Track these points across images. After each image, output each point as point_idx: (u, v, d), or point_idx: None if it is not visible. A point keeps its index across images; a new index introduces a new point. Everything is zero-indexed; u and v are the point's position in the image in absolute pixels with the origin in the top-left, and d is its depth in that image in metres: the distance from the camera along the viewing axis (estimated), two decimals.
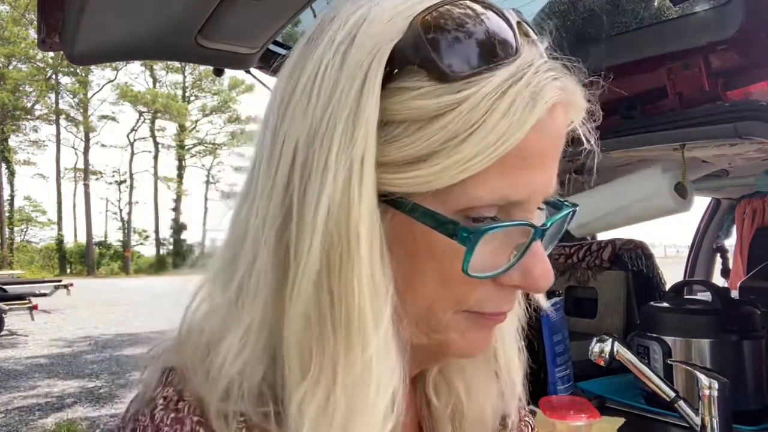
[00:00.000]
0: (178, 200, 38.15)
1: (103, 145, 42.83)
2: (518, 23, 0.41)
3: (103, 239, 37.43)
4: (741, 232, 2.47)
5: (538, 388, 1.32)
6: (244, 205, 0.43)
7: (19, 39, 29.20)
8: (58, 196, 34.98)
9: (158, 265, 34.53)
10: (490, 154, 0.37)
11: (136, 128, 37.51)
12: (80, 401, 5.75)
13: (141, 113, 36.78)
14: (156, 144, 37.84)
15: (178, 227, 37.23)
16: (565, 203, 0.45)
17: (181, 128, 37.91)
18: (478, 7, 0.40)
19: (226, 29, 1.37)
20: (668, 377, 1.18)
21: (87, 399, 5.83)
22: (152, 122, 37.44)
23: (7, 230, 30.72)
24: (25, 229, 34.58)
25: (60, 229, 34.66)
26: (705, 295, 1.39)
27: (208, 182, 39.58)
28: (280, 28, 1.40)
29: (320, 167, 0.38)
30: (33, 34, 27.10)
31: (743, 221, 2.46)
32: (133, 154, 37.82)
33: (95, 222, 35.83)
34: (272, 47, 1.53)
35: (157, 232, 38.51)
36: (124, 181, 37.98)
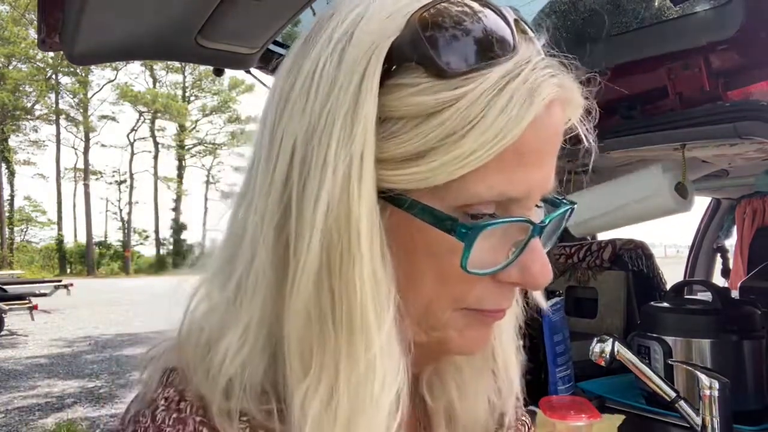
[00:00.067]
0: (178, 200, 38.20)
1: (103, 145, 42.99)
2: (515, 20, 0.41)
3: (103, 239, 37.49)
4: (741, 232, 2.47)
5: (538, 388, 1.32)
6: (242, 204, 0.43)
7: (19, 39, 29.19)
8: (58, 196, 35.03)
9: (158, 265, 34.53)
10: (488, 150, 0.37)
11: (136, 128, 37.57)
12: (80, 401, 5.75)
13: (141, 113, 36.81)
14: (156, 144, 37.88)
15: (178, 227, 37.25)
16: (563, 201, 0.45)
17: (181, 128, 37.91)
18: (475, 5, 0.40)
19: (226, 29, 1.37)
20: (669, 377, 1.18)
21: (87, 399, 5.83)
22: (152, 122, 37.45)
23: (7, 230, 30.73)
24: (25, 229, 34.61)
25: (60, 229, 34.69)
26: (705, 295, 1.39)
27: (208, 182, 39.63)
28: (280, 28, 1.40)
29: (319, 163, 0.38)
30: (33, 34, 27.10)
31: (743, 221, 2.46)
32: (133, 154, 37.88)
33: (95, 222, 35.92)
34: (272, 47, 1.53)
35: (157, 232, 38.57)
36: (124, 181, 38.05)
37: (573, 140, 0.45)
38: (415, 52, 0.38)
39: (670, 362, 1.20)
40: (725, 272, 2.71)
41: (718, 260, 2.76)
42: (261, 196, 0.41)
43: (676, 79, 1.33)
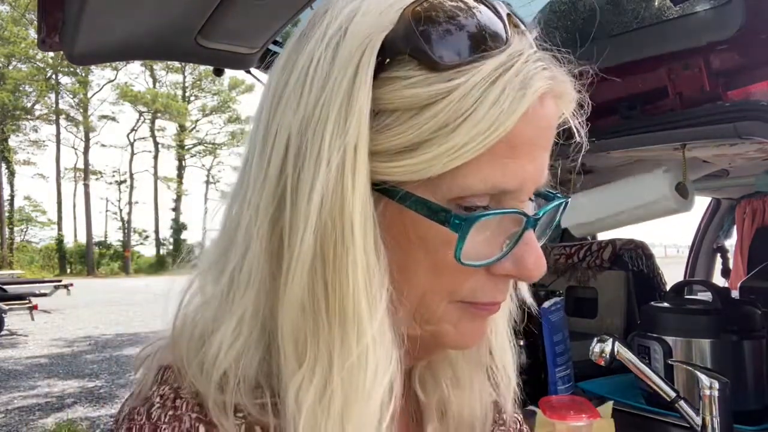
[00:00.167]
0: (178, 200, 38.20)
1: (103, 145, 43.11)
2: (508, 15, 0.41)
3: (103, 239, 37.50)
4: (741, 232, 2.48)
5: (538, 388, 1.32)
6: (236, 199, 0.44)
7: (19, 39, 29.19)
8: (58, 196, 35.02)
9: (158, 265, 34.53)
10: (481, 142, 0.37)
11: (136, 128, 37.58)
12: (80, 401, 5.75)
13: (141, 113, 36.82)
14: (156, 144, 37.88)
15: (178, 227, 37.24)
16: (557, 194, 0.45)
17: (181, 128, 37.92)
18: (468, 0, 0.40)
19: (226, 29, 1.37)
20: (669, 377, 1.18)
21: (87, 399, 5.83)
22: (152, 122, 37.46)
23: (7, 230, 30.72)
24: (25, 229, 34.62)
25: (60, 229, 34.69)
26: (705, 295, 1.39)
27: (208, 182, 39.63)
28: (280, 28, 1.40)
29: (313, 156, 0.38)
30: (33, 34, 27.09)
31: (743, 221, 2.46)
32: (133, 154, 37.89)
33: (95, 222, 35.93)
34: (272, 47, 1.53)
35: (157, 232, 38.57)
36: (124, 181, 38.05)
37: (566, 135, 0.46)
38: (409, 46, 0.38)
39: (670, 362, 1.20)
40: (725, 272, 2.71)
41: (718, 260, 2.76)
42: (255, 190, 0.41)
43: (676, 79, 1.33)
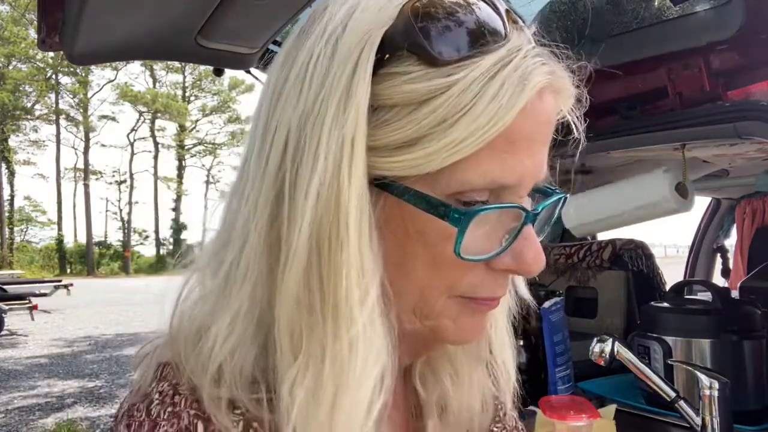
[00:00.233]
0: (178, 200, 38.20)
1: (103, 145, 43.14)
2: (506, 11, 0.41)
3: (103, 239, 37.48)
4: (741, 232, 2.48)
5: (538, 388, 1.32)
6: (235, 195, 0.44)
7: (19, 39, 29.19)
8: (58, 196, 35.02)
9: (158, 265, 34.53)
10: (480, 136, 0.37)
11: (136, 128, 37.57)
12: (80, 401, 5.75)
13: (141, 113, 36.81)
14: (156, 144, 37.88)
15: (178, 227, 37.24)
16: (556, 190, 0.46)
17: (181, 128, 37.92)
18: None
19: (226, 29, 1.37)
20: (669, 377, 1.18)
21: (87, 399, 5.83)
22: (152, 122, 37.46)
23: (7, 230, 30.72)
24: (25, 229, 34.61)
25: (60, 229, 34.68)
26: (705, 295, 1.39)
27: (208, 182, 39.62)
28: (280, 28, 1.40)
29: (312, 150, 0.38)
30: (33, 34, 27.09)
31: (743, 221, 2.46)
32: (133, 154, 37.88)
33: (95, 222, 35.92)
34: (272, 47, 1.53)
35: (157, 232, 38.57)
36: (124, 181, 38.05)
37: (565, 130, 0.46)
38: (408, 41, 0.38)
39: (670, 362, 1.20)
40: (725, 272, 2.71)
41: (718, 260, 2.76)
42: (254, 185, 0.41)
43: (676, 79, 1.34)
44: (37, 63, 31.14)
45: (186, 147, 38.50)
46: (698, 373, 0.98)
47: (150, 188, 38.57)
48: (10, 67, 30.67)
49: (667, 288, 1.61)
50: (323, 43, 0.40)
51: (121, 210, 37.90)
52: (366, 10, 0.40)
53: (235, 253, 0.42)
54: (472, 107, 0.37)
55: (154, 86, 37.19)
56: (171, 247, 37.41)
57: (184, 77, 37.59)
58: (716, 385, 0.96)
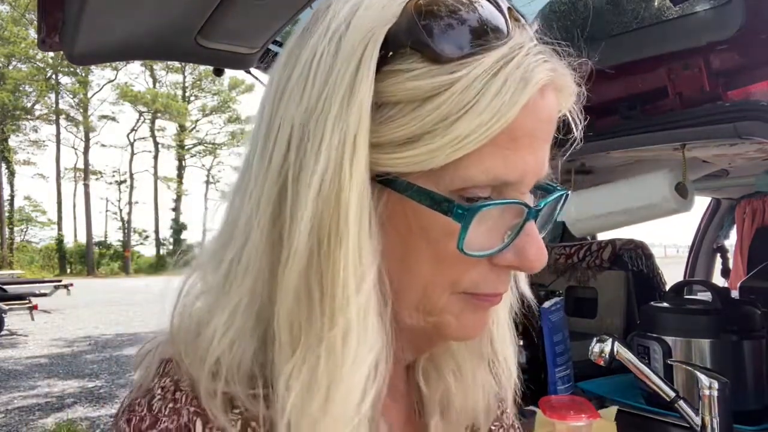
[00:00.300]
0: (178, 200, 38.21)
1: (103, 145, 43.14)
2: (509, 9, 0.42)
3: (103, 239, 37.47)
4: (741, 232, 2.48)
5: (538, 388, 1.32)
6: (237, 193, 0.44)
7: (19, 39, 29.20)
8: (58, 196, 35.02)
9: (158, 265, 34.52)
10: (483, 132, 0.38)
11: (136, 128, 37.57)
12: (80, 401, 5.75)
13: (141, 113, 36.81)
14: (156, 144, 37.88)
15: (178, 227, 37.24)
16: (557, 187, 0.46)
17: (181, 128, 37.92)
18: None
19: (226, 29, 1.37)
20: (668, 377, 1.18)
21: (87, 399, 5.83)
22: (152, 122, 37.46)
23: (7, 230, 30.72)
24: (25, 229, 34.61)
25: (60, 229, 34.68)
26: (705, 295, 1.39)
27: (208, 182, 39.63)
28: (280, 28, 1.40)
29: (315, 147, 0.39)
30: (33, 34, 27.09)
31: (743, 221, 2.46)
32: (133, 154, 37.88)
33: (95, 222, 35.92)
34: (272, 47, 1.53)
35: (157, 232, 38.56)
36: (124, 181, 38.05)
37: (566, 129, 0.46)
38: (411, 38, 0.39)
39: (669, 362, 1.20)
40: (725, 272, 2.71)
41: (718, 260, 2.76)
42: (257, 183, 0.42)
43: (676, 79, 1.34)
44: (37, 63, 31.14)
45: (186, 147, 38.51)
46: (698, 373, 0.98)
47: (150, 188, 38.64)
48: (10, 67, 30.68)
49: (667, 288, 1.61)
50: (326, 41, 0.40)
51: (121, 210, 37.96)
52: (369, 8, 0.40)
53: (237, 249, 0.42)
54: (475, 104, 0.38)
55: (154, 86, 37.21)
56: (171, 247, 37.39)
57: (184, 77, 37.61)
58: (716, 385, 0.96)
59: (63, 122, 35.01)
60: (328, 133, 0.38)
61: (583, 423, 0.83)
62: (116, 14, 1.27)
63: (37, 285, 11.54)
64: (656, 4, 1.52)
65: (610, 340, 1.04)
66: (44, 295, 10.79)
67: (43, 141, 35.10)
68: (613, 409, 1.02)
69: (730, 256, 2.70)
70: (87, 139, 35.90)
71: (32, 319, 10.61)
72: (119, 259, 36.22)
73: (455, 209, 0.39)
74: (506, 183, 0.41)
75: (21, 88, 31.49)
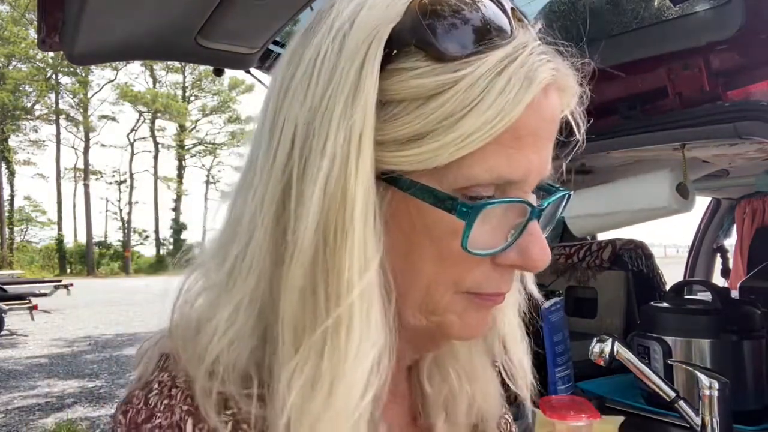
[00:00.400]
0: (178, 200, 38.20)
1: (103, 145, 43.16)
2: (512, 8, 0.42)
3: (103, 239, 37.46)
4: (741, 232, 2.48)
5: (538, 387, 1.32)
6: (240, 192, 0.44)
7: (19, 39, 29.19)
8: (58, 196, 35.01)
9: (158, 265, 34.52)
10: (487, 131, 0.38)
11: (136, 128, 37.56)
12: (80, 401, 5.75)
13: (141, 113, 36.81)
14: (156, 144, 37.87)
15: (178, 227, 37.24)
16: (559, 188, 0.46)
17: (181, 128, 37.92)
18: None
19: (226, 29, 1.37)
20: (668, 377, 1.18)
21: (87, 399, 5.83)
22: (152, 122, 37.45)
23: (7, 230, 30.72)
24: (25, 229, 34.60)
25: (60, 229, 34.67)
26: (705, 295, 1.39)
27: (208, 182, 39.64)
28: (280, 28, 1.40)
29: (320, 145, 0.39)
30: (33, 34, 27.08)
31: (743, 221, 2.46)
32: (133, 154, 37.87)
33: (95, 222, 35.91)
34: (272, 47, 1.53)
35: (157, 232, 38.56)
36: (124, 181, 38.04)
37: (567, 129, 0.46)
38: (415, 37, 0.39)
39: (669, 362, 1.20)
40: (725, 272, 2.71)
41: (718, 260, 2.76)
42: (261, 181, 0.42)
43: (676, 79, 1.34)
44: (37, 63, 31.14)
45: (186, 147, 38.50)
46: (698, 373, 0.98)
47: (150, 188, 38.63)
48: (10, 67, 30.68)
49: (667, 288, 1.61)
50: (330, 40, 0.40)
51: (121, 210, 37.95)
52: (373, 7, 0.40)
53: (241, 247, 0.42)
54: (480, 102, 0.38)
55: (154, 86, 37.20)
56: (171, 247, 37.40)
57: (184, 77, 37.60)
58: (716, 385, 0.96)
59: (63, 122, 35.03)
60: (333, 131, 0.38)
61: (583, 423, 0.83)
62: (116, 14, 1.27)
63: (37, 285, 11.55)
64: (656, 4, 1.52)
65: (610, 340, 1.04)
66: (44, 295, 10.79)
67: (43, 141, 35.15)
68: (619, 419, 1.02)
69: (730, 256, 2.70)
70: (87, 139, 35.92)
71: (32, 319, 10.61)
72: (119, 259, 36.22)
73: (459, 207, 0.39)
74: (510, 182, 0.41)
75: (21, 88, 31.47)
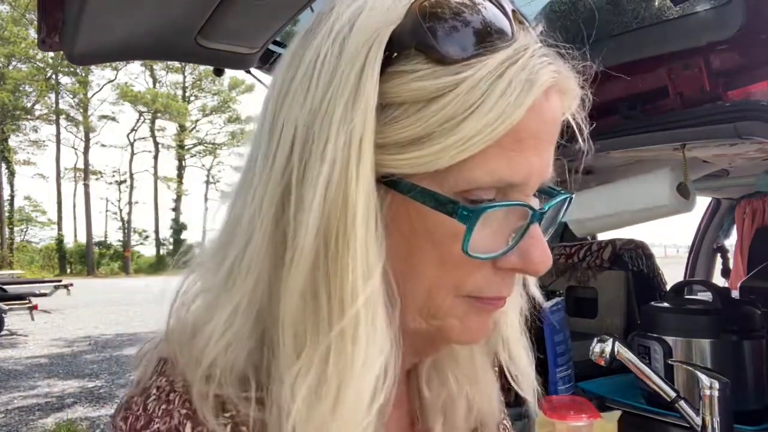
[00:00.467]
0: (178, 200, 38.19)
1: (103, 145, 43.11)
2: (513, 11, 0.42)
3: (103, 239, 37.46)
4: (741, 232, 2.48)
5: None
6: (240, 194, 0.44)
7: (19, 39, 29.19)
8: (58, 196, 35.01)
9: (158, 265, 34.51)
10: (488, 134, 0.38)
11: (136, 128, 37.55)
12: (80, 401, 5.75)
13: (141, 113, 36.80)
14: (156, 144, 37.87)
15: (178, 227, 37.23)
16: (560, 191, 0.46)
17: (181, 128, 37.91)
18: None
19: (226, 29, 1.37)
20: (669, 377, 1.18)
21: (87, 399, 5.83)
22: (152, 122, 37.45)
23: (7, 230, 30.72)
24: (25, 229, 34.60)
25: (60, 229, 34.66)
26: (705, 295, 1.39)
27: (208, 182, 39.62)
28: (280, 28, 1.40)
29: (319, 148, 0.38)
30: (33, 34, 27.08)
31: (743, 221, 2.46)
32: (133, 154, 37.87)
33: (95, 222, 35.90)
34: (272, 47, 1.53)
35: (157, 232, 38.56)
36: (124, 181, 38.03)
37: (569, 134, 0.46)
38: (416, 40, 0.39)
39: (670, 362, 1.20)
40: (725, 272, 2.71)
41: (718, 260, 2.76)
42: (260, 183, 0.41)
43: (677, 79, 1.33)
44: (37, 63, 31.13)
45: (186, 147, 38.50)
46: (698, 373, 0.98)
47: (150, 188, 38.62)
48: (10, 67, 30.67)
49: (667, 288, 1.61)
50: (330, 42, 0.40)
51: (121, 210, 37.95)
52: (374, 10, 0.40)
53: (239, 249, 0.42)
54: (481, 104, 0.37)
55: (154, 86, 37.19)
56: (171, 247, 37.38)
57: (184, 77, 37.59)
58: (716, 385, 0.96)
59: (63, 122, 35.02)
60: (333, 135, 0.38)
61: (584, 423, 0.83)
62: (116, 14, 1.27)
63: (37, 285, 11.55)
64: (656, 4, 1.52)
65: (611, 340, 1.04)
66: (44, 295, 10.79)
67: (43, 141, 35.14)
68: (616, 413, 1.02)
69: (730, 256, 2.70)
70: (87, 139, 35.91)
71: (32, 319, 10.61)
72: (119, 259, 36.21)
73: (460, 211, 0.39)
74: (511, 185, 0.40)
75: (21, 88, 31.47)
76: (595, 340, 1.06)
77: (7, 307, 9.70)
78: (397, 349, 0.40)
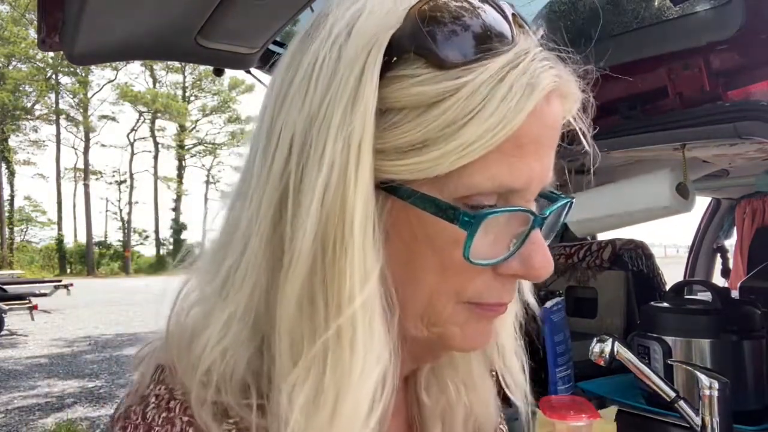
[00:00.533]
0: (178, 200, 38.20)
1: (103, 145, 43.11)
2: (513, 15, 0.41)
3: (103, 239, 37.47)
4: (741, 232, 2.48)
5: (538, 388, 1.32)
6: (237, 198, 0.44)
7: (19, 39, 29.18)
8: (58, 196, 35.01)
9: (158, 265, 34.50)
10: (489, 139, 0.37)
11: (136, 128, 37.55)
12: (80, 401, 5.75)
13: (141, 113, 36.80)
14: (156, 144, 37.88)
15: (178, 227, 37.23)
16: (561, 195, 0.45)
17: (181, 128, 37.91)
18: (474, 0, 0.40)
19: (226, 29, 1.37)
20: (668, 377, 1.18)
21: (87, 399, 5.83)
22: (152, 122, 37.45)
23: (7, 230, 30.71)
24: (25, 229, 34.60)
25: (60, 229, 34.67)
26: (705, 295, 1.39)
27: (208, 182, 39.61)
28: (280, 28, 1.40)
29: (318, 153, 0.38)
30: (33, 34, 27.07)
31: (743, 221, 2.46)
32: (133, 154, 37.88)
33: (95, 222, 35.91)
34: (272, 47, 1.53)
35: (157, 232, 38.57)
36: (124, 181, 38.04)
37: (570, 138, 0.46)
38: (415, 44, 0.38)
39: (669, 362, 1.20)
40: (725, 272, 2.71)
41: (718, 260, 2.76)
42: (258, 188, 0.41)
43: (676, 79, 1.33)
44: (37, 63, 31.13)
45: (186, 147, 38.50)
46: (698, 373, 0.98)
47: (150, 188, 38.63)
48: (10, 67, 30.66)
49: (667, 288, 1.61)
50: (329, 46, 0.39)
51: (121, 210, 37.96)
52: (372, 14, 0.39)
53: (236, 255, 0.41)
54: (482, 109, 0.37)
55: (154, 86, 37.19)
56: (171, 247, 37.38)
57: (184, 77, 37.60)
58: (716, 385, 0.96)
59: (63, 122, 35.02)
60: (331, 140, 0.38)
61: (583, 423, 0.83)
62: (116, 14, 1.27)
63: (37, 285, 11.55)
64: (656, 4, 1.52)
65: (611, 340, 1.04)
66: (44, 295, 10.79)
67: (43, 141, 35.15)
68: (613, 409, 1.02)
69: (730, 256, 2.70)
70: (87, 139, 35.91)
71: (32, 319, 10.61)
72: (119, 259, 36.21)
73: (461, 217, 0.38)
74: (512, 190, 0.40)
75: (21, 88, 31.47)
76: (595, 340, 1.06)
77: (7, 307, 9.70)
78: (395, 358, 0.40)
